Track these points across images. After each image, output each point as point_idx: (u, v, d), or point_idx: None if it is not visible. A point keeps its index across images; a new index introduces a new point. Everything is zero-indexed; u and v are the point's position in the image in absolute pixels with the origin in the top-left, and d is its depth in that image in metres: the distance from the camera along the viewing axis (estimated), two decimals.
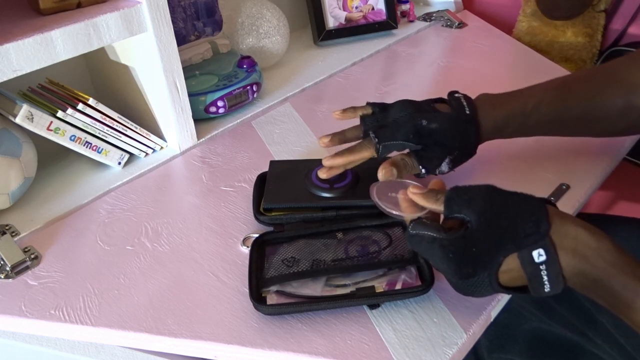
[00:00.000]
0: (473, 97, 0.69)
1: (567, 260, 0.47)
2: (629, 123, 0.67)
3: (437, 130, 0.64)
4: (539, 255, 0.47)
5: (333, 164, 0.65)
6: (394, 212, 0.55)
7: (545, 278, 0.47)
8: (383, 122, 0.67)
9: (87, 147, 0.76)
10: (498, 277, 0.49)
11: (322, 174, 0.66)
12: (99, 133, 0.77)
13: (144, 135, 0.82)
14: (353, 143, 0.67)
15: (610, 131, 0.71)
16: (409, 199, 0.54)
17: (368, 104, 0.70)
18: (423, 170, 0.65)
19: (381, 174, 0.62)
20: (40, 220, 0.72)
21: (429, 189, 0.53)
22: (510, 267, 0.48)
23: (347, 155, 0.65)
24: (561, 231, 0.47)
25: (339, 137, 0.68)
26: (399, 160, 0.64)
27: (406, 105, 0.68)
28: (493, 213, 0.49)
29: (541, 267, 0.47)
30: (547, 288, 0.48)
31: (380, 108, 0.69)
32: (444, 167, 0.66)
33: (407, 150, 0.66)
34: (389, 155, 0.66)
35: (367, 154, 0.65)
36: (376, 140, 0.64)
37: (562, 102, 0.68)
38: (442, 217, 0.53)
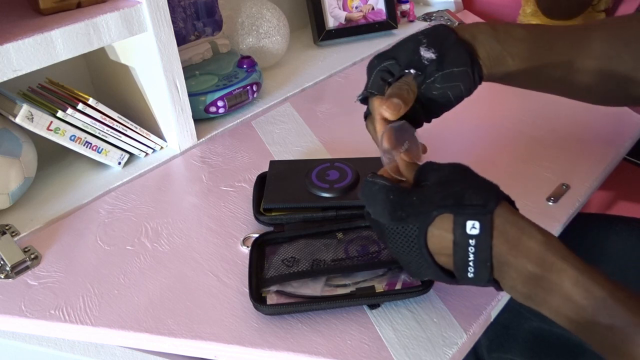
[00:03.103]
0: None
1: (507, 250, 0.45)
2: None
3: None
4: (472, 227, 0.45)
5: (393, 106, 0.54)
6: (382, 147, 0.55)
7: (472, 257, 0.45)
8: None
9: (87, 147, 0.76)
10: (427, 236, 0.48)
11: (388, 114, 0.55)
12: (99, 133, 0.77)
13: (144, 135, 0.82)
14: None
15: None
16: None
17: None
18: (412, 71, 0.57)
19: (388, 113, 0.54)
20: (40, 220, 0.72)
21: (413, 162, 0.54)
22: (442, 229, 0.47)
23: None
24: (508, 219, 0.45)
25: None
26: (402, 90, 0.56)
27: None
28: (449, 178, 0.49)
29: (470, 240, 0.45)
30: (470, 272, 0.46)
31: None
32: (423, 52, 0.57)
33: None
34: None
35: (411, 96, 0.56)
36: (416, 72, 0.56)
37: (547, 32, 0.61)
38: None
